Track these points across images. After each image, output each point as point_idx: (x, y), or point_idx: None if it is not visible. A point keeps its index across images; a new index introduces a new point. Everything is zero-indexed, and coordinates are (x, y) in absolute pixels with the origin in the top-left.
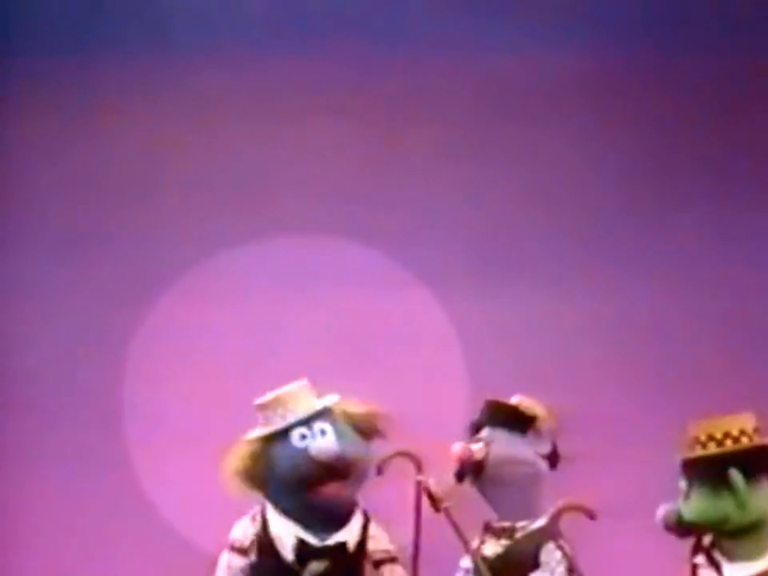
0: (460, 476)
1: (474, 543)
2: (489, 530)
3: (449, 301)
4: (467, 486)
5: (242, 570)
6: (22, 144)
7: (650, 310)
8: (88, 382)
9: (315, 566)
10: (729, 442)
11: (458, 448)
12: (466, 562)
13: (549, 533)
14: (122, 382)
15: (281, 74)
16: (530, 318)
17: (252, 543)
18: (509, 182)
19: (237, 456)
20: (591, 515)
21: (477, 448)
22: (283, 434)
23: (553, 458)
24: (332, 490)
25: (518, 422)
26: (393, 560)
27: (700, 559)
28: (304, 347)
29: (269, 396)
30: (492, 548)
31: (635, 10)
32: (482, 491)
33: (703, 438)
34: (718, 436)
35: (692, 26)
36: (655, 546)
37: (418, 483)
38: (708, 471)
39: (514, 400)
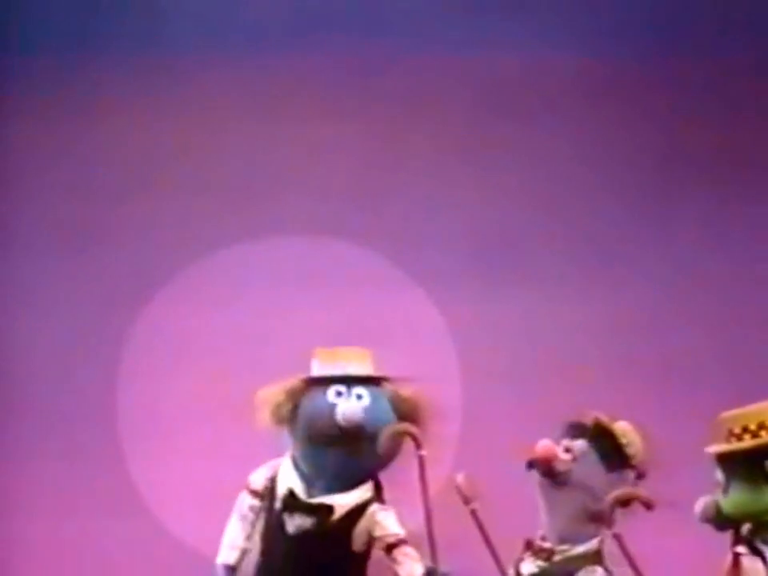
0: (530, 466)
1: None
2: (529, 547)
3: (446, 301)
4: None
5: (251, 509)
6: (20, 144)
7: (649, 311)
8: (84, 382)
9: (299, 520)
10: (764, 433)
11: (543, 446)
12: (527, 568)
13: (589, 558)
14: (119, 381)
15: (281, 74)
16: (527, 319)
17: (265, 488)
18: (508, 182)
19: (275, 388)
20: (649, 505)
21: (563, 458)
22: (323, 384)
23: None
24: (344, 452)
25: (613, 456)
26: (403, 542)
27: (742, 548)
28: (301, 347)
29: (333, 347)
30: (528, 567)
31: (635, 11)
32: (545, 497)
33: (737, 429)
34: (753, 427)
35: (692, 26)
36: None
37: (420, 458)
38: (745, 464)
39: (622, 428)
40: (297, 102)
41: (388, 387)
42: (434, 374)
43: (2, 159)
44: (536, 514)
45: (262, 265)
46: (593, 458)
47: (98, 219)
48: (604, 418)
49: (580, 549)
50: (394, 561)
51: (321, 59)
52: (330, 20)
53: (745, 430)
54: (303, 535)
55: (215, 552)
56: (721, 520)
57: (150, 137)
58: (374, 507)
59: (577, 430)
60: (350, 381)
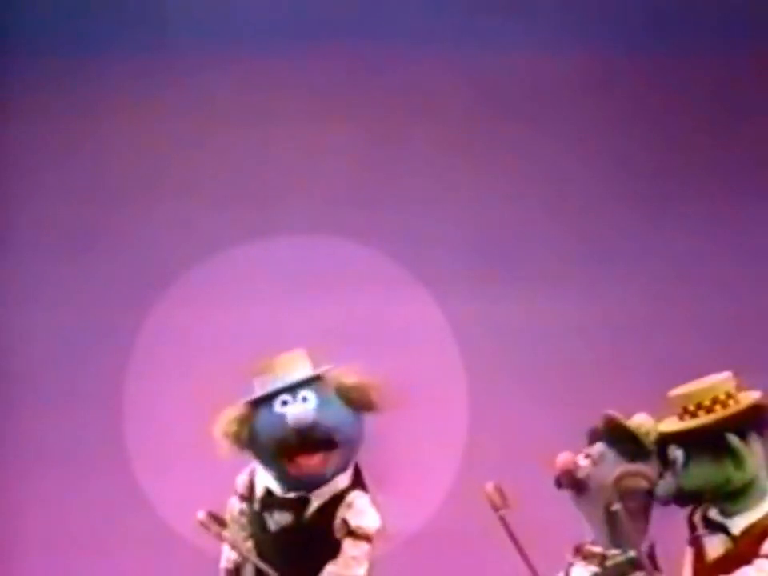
0: (559, 484)
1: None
2: (579, 552)
3: (447, 300)
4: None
5: (241, 512)
6: (21, 144)
7: (649, 311)
8: (88, 382)
9: (278, 516)
10: (718, 408)
11: (562, 458)
12: (579, 573)
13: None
14: (123, 381)
15: (281, 74)
16: (527, 317)
17: (247, 490)
18: (508, 182)
19: (225, 419)
20: (650, 481)
21: (582, 464)
22: (269, 400)
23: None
24: (312, 462)
25: (631, 451)
26: (362, 537)
27: (701, 530)
28: (302, 346)
29: (263, 362)
30: (579, 572)
31: (635, 11)
32: (578, 508)
33: (692, 406)
34: (707, 403)
35: (692, 25)
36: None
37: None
38: (703, 439)
39: (637, 421)
40: (297, 102)
41: (332, 381)
42: (436, 373)
43: (1, 159)
44: (544, 513)
45: (264, 265)
46: (611, 457)
47: (99, 220)
48: (615, 415)
49: (631, 554)
50: (341, 551)
51: (321, 59)
52: (331, 20)
53: (699, 406)
54: (284, 531)
55: (218, 550)
56: (683, 497)
57: (150, 137)
58: (352, 494)
59: (594, 434)
60: (292, 388)
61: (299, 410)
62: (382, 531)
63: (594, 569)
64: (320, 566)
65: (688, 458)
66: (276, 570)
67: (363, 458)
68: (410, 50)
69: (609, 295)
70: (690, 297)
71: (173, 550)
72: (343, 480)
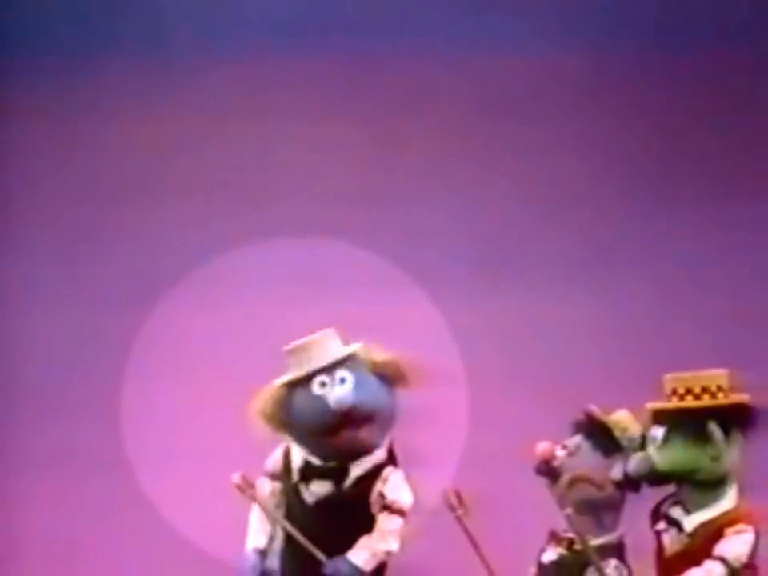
0: (539, 472)
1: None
2: (553, 537)
3: (446, 301)
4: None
5: (272, 493)
6: (21, 144)
7: (649, 311)
8: (88, 383)
9: (316, 487)
10: (706, 397)
11: (541, 447)
12: (548, 556)
13: (606, 551)
14: (123, 382)
15: (281, 74)
16: (528, 318)
17: (280, 468)
18: (508, 182)
19: (261, 400)
20: (600, 487)
21: (559, 454)
22: (306, 380)
23: (635, 485)
24: (355, 436)
25: (605, 443)
26: (397, 512)
27: (661, 525)
28: None
29: (297, 342)
30: (549, 555)
31: (636, 10)
32: (551, 494)
33: (681, 390)
34: (697, 390)
35: (692, 25)
36: None
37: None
38: (687, 423)
39: (616, 417)
40: (297, 102)
41: (365, 358)
42: (436, 374)
43: (1, 159)
44: (543, 512)
45: (265, 267)
46: (586, 449)
47: (99, 220)
48: (593, 409)
49: (599, 540)
50: (376, 525)
51: (320, 59)
52: (330, 20)
53: (688, 391)
54: (322, 502)
55: (218, 550)
56: (653, 476)
57: (150, 137)
58: (388, 468)
59: (576, 427)
60: (328, 368)
61: (339, 393)
62: (414, 507)
63: (562, 551)
64: (355, 539)
65: (668, 437)
66: (312, 542)
67: None
68: (411, 50)
69: (609, 295)
70: (692, 297)
71: (173, 549)
72: (380, 454)
